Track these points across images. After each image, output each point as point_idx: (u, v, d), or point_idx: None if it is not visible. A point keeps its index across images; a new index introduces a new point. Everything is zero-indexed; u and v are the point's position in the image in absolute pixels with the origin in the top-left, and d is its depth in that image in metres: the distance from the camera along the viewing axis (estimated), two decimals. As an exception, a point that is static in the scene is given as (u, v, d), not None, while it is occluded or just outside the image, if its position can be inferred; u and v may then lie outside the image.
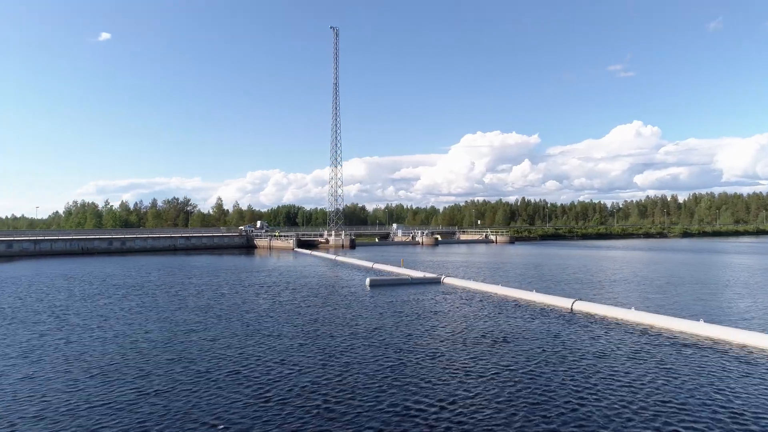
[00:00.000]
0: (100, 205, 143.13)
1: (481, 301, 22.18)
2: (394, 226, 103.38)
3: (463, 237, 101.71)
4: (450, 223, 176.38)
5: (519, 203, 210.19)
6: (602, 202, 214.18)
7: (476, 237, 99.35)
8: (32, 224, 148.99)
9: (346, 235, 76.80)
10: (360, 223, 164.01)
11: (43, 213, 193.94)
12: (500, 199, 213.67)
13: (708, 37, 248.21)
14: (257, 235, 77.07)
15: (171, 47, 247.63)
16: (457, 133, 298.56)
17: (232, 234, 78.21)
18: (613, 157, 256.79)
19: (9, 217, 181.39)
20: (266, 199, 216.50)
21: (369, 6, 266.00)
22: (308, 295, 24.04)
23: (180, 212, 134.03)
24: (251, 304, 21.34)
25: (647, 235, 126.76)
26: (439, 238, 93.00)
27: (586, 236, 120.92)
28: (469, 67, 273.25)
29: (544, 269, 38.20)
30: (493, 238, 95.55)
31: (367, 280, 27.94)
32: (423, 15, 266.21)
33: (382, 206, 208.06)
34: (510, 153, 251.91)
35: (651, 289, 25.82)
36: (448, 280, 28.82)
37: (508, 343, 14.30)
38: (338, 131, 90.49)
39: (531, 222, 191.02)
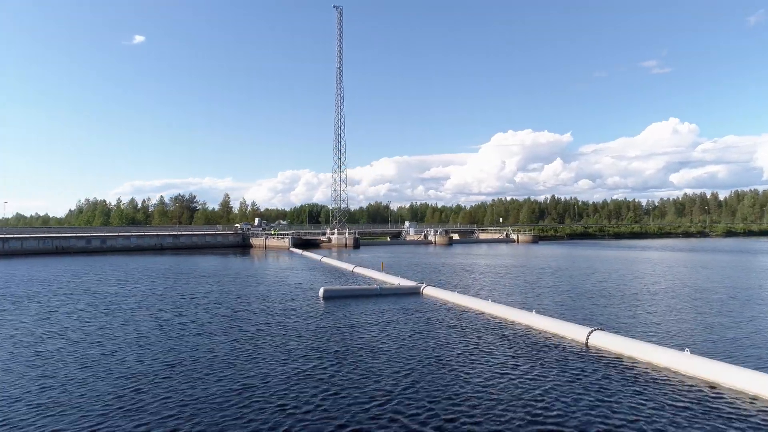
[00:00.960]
0: (113, 203, 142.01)
1: (457, 325, 15.45)
2: (407, 224, 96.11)
3: (482, 236, 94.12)
4: (472, 221, 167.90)
5: (548, 201, 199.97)
6: (637, 200, 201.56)
7: (496, 236, 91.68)
8: (45, 221, 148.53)
9: (350, 233, 70.49)
10: (384, 221, 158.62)
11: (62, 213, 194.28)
12: (528, 197, 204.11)
13: (749, 30, 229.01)
14: (254, 234, 71.40)
15: (202, 50, 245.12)
16: (487, 131, 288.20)
17: (226, 232, 72.56)
18: (647, 155, 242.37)
19: (33, 215, 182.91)
20: (296, 199, 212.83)
21: (398, 3, 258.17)
22: (229, 315, 17.75)
23: (185, 209, 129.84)
24: (142, 325, 15.16)
25: (687, 235, 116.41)
26: (455, 237, 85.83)
27: (618, 235, 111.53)
28: (499, 65, 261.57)
29: (563, 275, 30.97)
30: (514, 237, 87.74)
31: (321, 291, 21.47)
32: (450, 12, 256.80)
33: (408, 205, 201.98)
34: (542, 152, 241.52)
35: (709, 310, 18.33)
36: (428, 291, 22.11)
37: (460, 427, 7.57)
38: (342, 119, 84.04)
39: (560, 221, 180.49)
